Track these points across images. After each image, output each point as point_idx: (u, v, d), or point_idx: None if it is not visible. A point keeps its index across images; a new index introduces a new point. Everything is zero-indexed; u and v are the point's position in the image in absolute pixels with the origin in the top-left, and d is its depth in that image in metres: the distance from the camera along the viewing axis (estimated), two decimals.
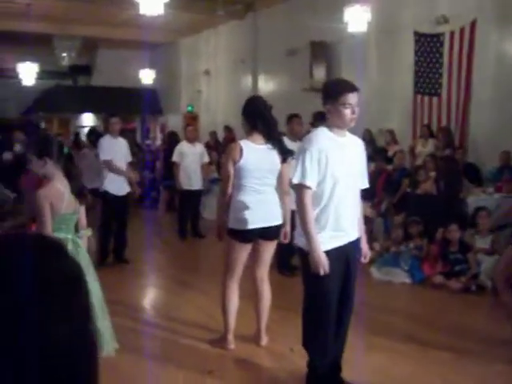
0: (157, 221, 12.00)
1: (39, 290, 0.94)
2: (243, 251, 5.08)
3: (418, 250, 8.00)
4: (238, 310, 5.32)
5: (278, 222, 5.08)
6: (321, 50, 12.80)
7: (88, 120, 22.27)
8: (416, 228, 8.15)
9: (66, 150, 4.29)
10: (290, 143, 7.78)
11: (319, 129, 4.14)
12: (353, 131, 4.22)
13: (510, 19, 9.27)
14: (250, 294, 5.38)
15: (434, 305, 6.92)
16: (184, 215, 10.89)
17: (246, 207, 4.93)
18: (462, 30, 9.83)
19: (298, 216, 4.07)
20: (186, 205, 10.68)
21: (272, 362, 5.07)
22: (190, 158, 10.45)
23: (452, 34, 10.02)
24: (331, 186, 3.98)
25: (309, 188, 3.95)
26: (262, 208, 4.98)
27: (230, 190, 5.01)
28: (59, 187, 4.38)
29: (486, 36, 9.52)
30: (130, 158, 8.89)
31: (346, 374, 4.40)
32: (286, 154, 5.17)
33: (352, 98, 3.94)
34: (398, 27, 11.08)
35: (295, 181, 3.99)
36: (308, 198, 3.96)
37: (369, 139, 10.84)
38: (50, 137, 5.35)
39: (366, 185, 4.33)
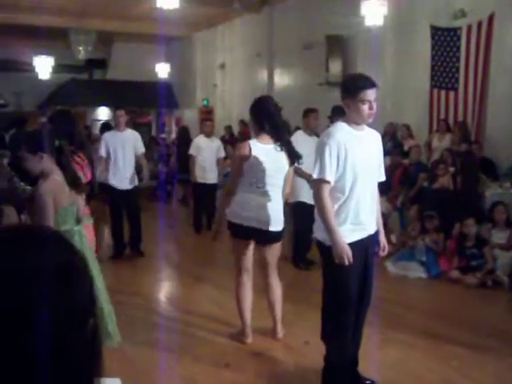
0: (171, 214, 12.05)
1: (47, 285, 0.95)
2: (243, 247, 5.12)
3: (435, 245, 7.98)
4: (255, 304, 5.35)
5: (276, 228, 5.07)
6: (337, 44, 12.74)
7: (103, 114, 22.32)
8: (432, 222, 8.13)
9: (56, 142, 4.32)
10: (305, 137, 7.83)
11: (338, 123, 4.16)
12: (371, 125, 4.22)
13: None
14: (265, 287, 5.40)
15: (449, 299, 6.90)
16: (199, 209, 10.93)
17: (247, 204, 4.97)
18: (479, 24, 9.75)
19: (317, 210, 4.08)
20: (201, 198, 10.72)
21: (288, 355, 5.09)
22: (207, 152, 10.48)
23: (469, 27, 9.94)
24: (351, 179, 4.00)
25: (328, 182, 3.97)
26: (262, 210, 4.98)
27: (236, 188, 5.03)
28: (59, 180, 4.35)
29: (503, 30, 9.44)
30: (142, 149, 8.88)
31: (362, 368, 4.40)
32: (293, 157, 5.22)
33: (371, 94, 3.97)
34: (414, 21, 11.00)
35: (315, 176, 4.02)
36: (326, 192, 3.98)
37: (392, 133, 10.82)
38: (40, 130, 5.27)
39: (383, 178, 4.36)
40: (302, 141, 7.75)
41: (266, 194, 5.01)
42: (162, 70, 19.63)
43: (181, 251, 9.72)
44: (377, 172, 4.23)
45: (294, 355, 5.06)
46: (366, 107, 3.96)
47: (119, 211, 8.69)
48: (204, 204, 10.76)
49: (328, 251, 4.01)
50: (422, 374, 4.67)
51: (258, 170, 4.95)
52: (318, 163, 3.99)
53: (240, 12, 15.50)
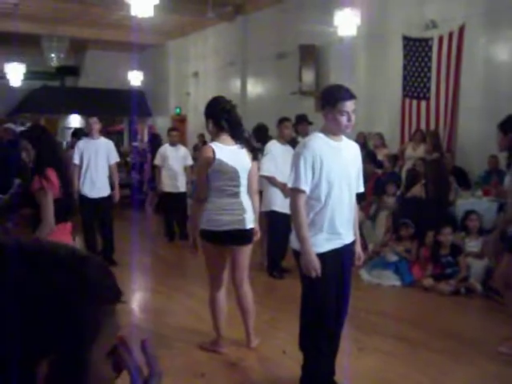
0: (144, 223, 11.98)
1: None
2: (218, 255, 5.06)
3: (407, 253, 8.05)
4: (230, 313, 5.34)
5: (250, 225, 5.06)
6: (310, 54, 12.82)
7: (75, 121, 22.17)
8: (407, 230, 8.20)
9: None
10: (279, 146, 7.87)
11: (314, 134, 4.20)
12: (345, 134, 4.25)
13: (498, 24, 9.35)
14: (236, 295, 5.40)
15: (424, 307, 6.96)
16: (170, 218, 10.91)
17: (221, 209, 4.91)
18: (450, 35, 9.89)
19: (292, 219, 4.11)
20: (172, 207, 10.71)
21: (264, 365, 5.07)
22: (173, 160, 10.50)
23: (440, 38, 10.07)
24: (327, 189, 4.03)
25: (303, 192, 4.00)
26: (236, 211, 4.97)
27: (205, 194, 4.97)
28: None
29: (474, 41, 9.58)
30: (116, 159, 8.88)
31: (337, 376, 4.41)
32: (255, 152, 5.28)
33: (349, 105, 4.01)
34: (386, 31, 11.13)
35: (290, 185, 4.07)
36: (301, 201, 4.01)
37: (362, 142, 10.89)
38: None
39: (361, 189, 4.38)
40: (276, 150, 7.81)
41: (237, 195, 4.99)
42: (135, 78, 19.54)
43: (155, 261, 9.66)
44: (354, 183, 4.23)
45: (271, 365, 5.05)
46: (344, 118, 4.00)
47: (91, 220, 8.65)
48: (174, 213, 10.75)
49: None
50: (398, 382, 4.70)
51: (225, 172, 4.90)
52: (293, 173, 4.03)
53: (214, 21, 15.52)
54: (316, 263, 3.95)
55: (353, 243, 4.30)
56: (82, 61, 21.38)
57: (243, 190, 5.04)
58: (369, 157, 9.88)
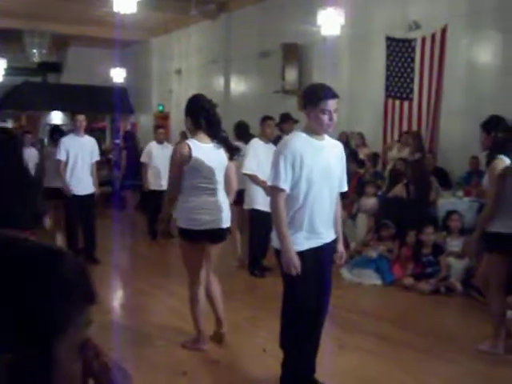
0: (126, 221, 11.91)
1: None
2: (196, 252, 5.08)
3: (389, 253, 8.10)
4: (208, 312, 5.35)
5: (226, 225, 5.12)
6: (293, 53, 12.84)
7: (57, 118, 22.04)
8: (388, 231, 8.26)
9: None
10: (262, 145, 7.87)
11: (295, 132, 4.22)
12: (327, 134, 4.26)
13: (481, 26, 9.41)
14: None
15: (404, 306, 7.00)
16: (153, 216, 10.87)
17: (198, 208, 4.94)
18: (433, 36, 9.95)
19: (272, 217, 4.11)
20: (155, 206, 10.61)
21: (245, 363, 5.07)
22: (159, 158, 10.42)
23: (423, 39, 10.13)
24: (306, 188, 4.03)
25: (282, 190, 4.00)
26: (213, 210, 5.00)
27: (178, 192, 4.99)
28: None
29: (456, 42, 9.65)
30: (97, 157, 8.89)
31: (318, 374, 4.43)
32: (232, 151, 5.23)
33: (332, 104, 4.01)
34: (370, 32, 11.17)
35: (269, 183, 4.08)
36: (281, 200, 4.01)
37: (345, 142, 10.92)
38: None
39: (344, 188, 4.39)
40: (259, 148, 7.82)
41: (214, 194, 5.01)
42: (118, 75, 19.47)
43: (137, 259, 9.63)
44: (337, 182, 4.23)
45: (251, 363, 5.05)
46: (326, 117, 4.00)
47: (76, 217, 8.61)
48: (159, 211, 10.64)
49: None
50: (379, 380, 4.72)
51: (202, 170, 4.92)
52: (273, 171, 4.03)
53: (197, 18, 15.49)
54: (296, 261, 3.96)
55: (334, 241, 4.31)
56: (64, 57, 21.25)
57: (220, 188, 5.07)
58: (351, 156, 9.92)
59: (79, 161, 8.44)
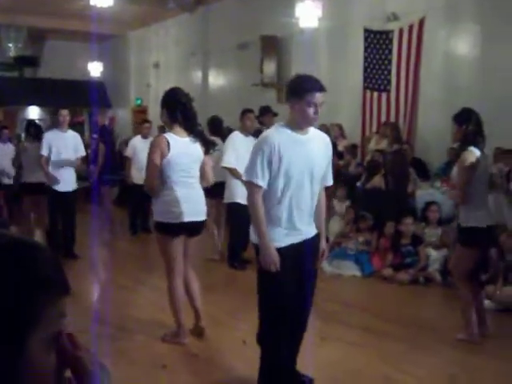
0: (104, 216, 11.77)
1: None
2: (175, 245, 5.10)
3: (367, 244, 8.14)
4: (187, 306, 5.37)
5: (203, 217, 5.20)
6: (271, 45, 12.81)
7: (35, 113, 21.83)
8: (366, 222, 8.29)
9: None
10: (242, 138, 7.86)
11: (276, 126, 4.06)
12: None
13: (458, 17, 9.45)
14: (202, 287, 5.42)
15: (384, 296, 7.04)
16: (134, 210, 10.82)
17: (176, 201, 4.96)
18: (410, 28, 9.98)
19: (250, 213, 4.00)
20: (137, 200, 10.55)
21: (225, 356, 5.08)
22: (143, 153, 10.33)
23: (401, 31, 10.15)
24: (284, 183, 3.89)
25: (259, 187, 3.88)
26: (191, 203, 5.04)
27: (155, 185, 4.98)
28: None
29: (434, 34, 9.68)
30: (83, 153, 8.75)
31: (300, 366, 4.43)
32: (208, 145, 5.25)
33: (319, 97, 3.88)
34: (348, 23, 11.17)
35: (245, 178, 3.99)
36: (258, 196, 3.90)
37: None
38: None
39: (330, 182, 4.26)
40: (238, 141, 7.80)
41: (191, 187, 5.07)
42: (95, 69, 19.32)
43: (118, 254, 9.58)
44: (320, 176, 4.06)
45: (231, 356, 5.05)
46: (311, 110, 3.85)
47: (57, 213, 8.59)
48: (141, 205, 10.59)
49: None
50: (361, 371, 4.74)
51: (180, 164, 4.95)
52: (250, 166, 3.91)
53: (174, 11, 15.40)
54: (275, 257, 3.86)
55: (315, 237, 4.15)
56: (41, 51, 21.01)
57: (196, 181, 5.13)
58: (332, 148, 9.92)
59: (62, 156, 8.34)
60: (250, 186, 3.93)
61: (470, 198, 5.12)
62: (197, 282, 5.41)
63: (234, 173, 7.65)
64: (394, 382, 4.58)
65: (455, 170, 5.41)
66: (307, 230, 4.07)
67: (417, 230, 7.76)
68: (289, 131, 3.94)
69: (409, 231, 7.64)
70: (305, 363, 4.45)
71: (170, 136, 4.95)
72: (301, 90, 3.91)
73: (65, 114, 8.49)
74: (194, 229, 5.13)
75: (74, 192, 8.63)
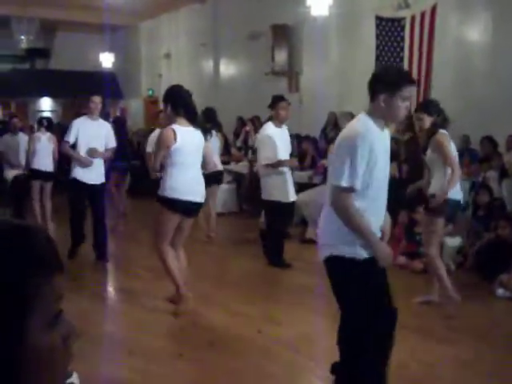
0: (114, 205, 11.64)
1: None
2: (174, 220, 5.58)
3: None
4: (204, 296, 5.62)
5: (202, 200, 5.76)
6: (282, 34, 12.79)
7: (46, 104, 21.92)
8: None
9: None
10: (276, 130, 7.46)
11: (366, 119, 3.62)
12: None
13: (470, 4, 9.41)
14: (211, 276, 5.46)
15: (397, 285, 6.97)
16: None
17: (182, 180, 5.50)
18: (422, 15, 9.94)
19: (343, 221, 3.51)
20: None
21: (240, 345, 5.10)
22: None
23: (413, 18, 10.12)
24: (374, 184, 3.53)
25: (351, 189, 3.46)
26: (195, 184, 5.62)
27: (157, 169, 5.60)
28: None
29: (445, 21, 9.64)
30: (113, 143, 8.06)
31: (319, 354, 4.45)
32: (206, 133, 6.01)
33: (412, 91, 3.72)
34: (359, 11, 11.14)
35: (339, 183, 3.45)
36: (350, 199, 3.47)
37: (334, 122, 10.91)
38: None
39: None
40: (273, 135, 7.43)
41: (195, 170, 5.64)
42: (107, 60, 19.37)
43: (131, 243, 9.59)
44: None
45: (246, 344, 5.08)
46: (405, 105, 3.58)
47: (81, 207, 7.85)
48: None
49: (354, 267, 3.56)
50: None
51: (186, 149, 5.46)
52: (344, 167, 3.43)
53: (185, 1, 15.40)
54: (388, 249, 3.60)
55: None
56: (52, 43, 21.09)
57: (199, 165, 5.71)
58: None
59: (88, 146, 7.65)
60: (341, 189, 3.47)
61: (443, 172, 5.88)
62: (185, 260, 5.90)
63: (277, 165, 7.40)
64: (405, 369, 4.59)
65: (429, 152, 6.02)
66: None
67: None
68: (374, 126, 3.58)
69: (423, 219, 7.62)
70: (318, 354, 4.47)
71: (175, 127, 5.48)
72: (397, 82, 3.57)
73: (97, 100, 7.77)
74: (193, 209, 5.70)
75: (103, 185, 7.95)
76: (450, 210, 5.88)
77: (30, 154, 9.87)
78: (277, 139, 7.38)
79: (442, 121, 6.03)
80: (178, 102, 5.56)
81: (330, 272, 3.70)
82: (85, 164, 7.60)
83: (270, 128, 7.55)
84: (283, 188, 7.48)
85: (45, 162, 9.69)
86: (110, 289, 7.22)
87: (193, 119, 5.61)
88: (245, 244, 8.76)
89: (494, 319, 5.86)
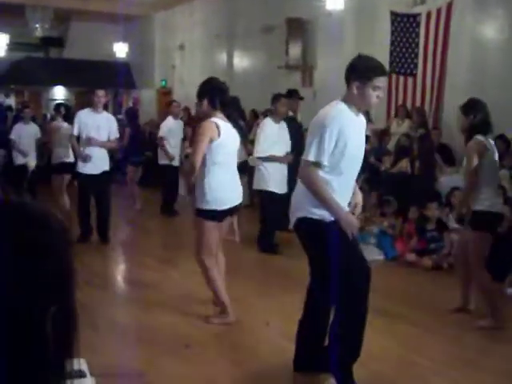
0: (128, 197, 11.76)
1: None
2: (218, 230, 5.23)
3: (392, 228, 8.11)
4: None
5: (241, 200, 5.38)
6: (297, 28, 12.73)
7: (59, 93, 21.98)
8: (390, 207, 8.26)
9: None
10: (273, 125, 7.78)
11: (340, 104, 3.96)
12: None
13: (486, 2, 9.33)
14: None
15: (406, 281, 7.02)
16: (170, 191, 10.73)
17: (224, 186, 5.08)
18: (438, 11, 9.87)
19: (312, 192, 3.88)
20: (172, 180, 10.56)
21: (248, 336, 5.11)
22: (176, 133, 10.45)
23: (428, 14, 10.05)
24: (343, 163, 3.87)
25: (320, 164, 3.83)
26: (235, 186, 5.25)
27: (199, 165, 5.04)
28: None
29: (461, 18, 9.57)
30: (116, 135, 8.41)
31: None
32: (242, 137, 5.70)
33: (383, 81, 3.95)
34: (374, 6, 11.08)
35: (310, 158, 3.83)
36: (317, 172, 3.84)
37: None
38: None
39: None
40: (270, 129, 7.79)
41: (234, 171, 5.27)
42: (120, 50, 19.41)
43: (144, 234, 9.60)
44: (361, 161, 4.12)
45: (255, 337, 5.09)
46: (375, 94, 3.89)
47: (87, 197, 8.25)
48: (175, 186, 10.61)
49: (322, 228, 3.86)
50: (378, 354, 4.73)
51: (227, 147, 5.09)
52: (316, 145, 3.80)
53: None
54: (354, 219, 3.93)
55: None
56: (66, 32, 21.10)
57: (235, 166, 5.32)
58: None
59: (94, 138, 8.02)
60: (310, 163, 3.84)
61: (484, 184, 5.20)
62: (223, 263, 5.54)
63: (271, 159, 7.68)
64: (411, 365, 4.60)
65: (465, 160, 5.46)
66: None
67: (441, 215, 7.72)
68: (348, 110, 3.91)
69: (434, 216, 7.61)
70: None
71: (217, 120, 5.07)
72: (368, 71, 3.88)
73: (101, 94, 8.16)
74: (234, 210, 5.39)
75: (107, 173, 8.31)
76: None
77: (49, 147, 9.80)
78: (274, 135, 7.58)
79: (481, 124, 5.33)
80: (216, 96, 5.17)
81: (300, 233, 4.07)
82: (83, 159, 7.99)
83: (268, 123, 7.85)
84: (274, 179, 7.67)
85: (64, 153, 9.24)
86: (119, 278, 7.24)
87: (229, 115, 5.32)
88: (254, 237, 8.76)
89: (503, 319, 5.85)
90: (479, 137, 5.24)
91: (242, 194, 5.37)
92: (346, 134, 3.80)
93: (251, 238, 8.37)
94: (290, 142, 8.00)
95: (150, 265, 7.46)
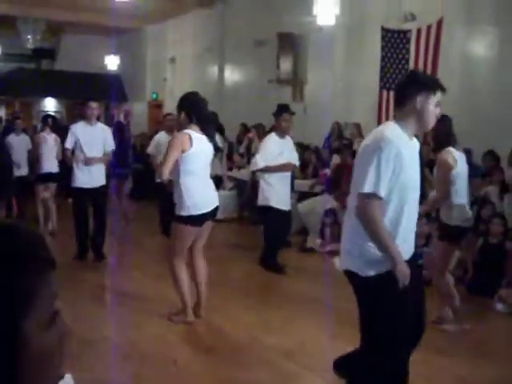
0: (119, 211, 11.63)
1: None
2: (193, 233, 5.49)
3: None
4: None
5: (218, 202, 5.63)
6: (288, 42, 12.80)
7: (50, 105, 21.95)
8: None
9: None
10: (278, 141, 7.65)
11: (394, 126, 3.41)
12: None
13: (476, 18, 9.41)
14: (208, 282, 5.66)
15: None
16: (167, 208, 10.47)
17: (198, 192, 5.39)
18: (428, 28, 9.94)
19: (366, 230, 3.31)
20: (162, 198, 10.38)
21: (236, 351, 5.09)
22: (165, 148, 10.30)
23: (419, 31, 10.11)
24: (401, 195, 3.33)
25: (380, 199, 3.25)
26: (210, 191, 5.57)
27: (168, 174, 5.36)
28: None
29: (451, 35, 9.64)
30: (112, 147, 8.21)
31: (316, 363, 4.44)
32: (216, 151, 5.91)
33: (441, 99, 3.52)
34: (365, 22, 11.15)
35: (364, 190, 3.23)
36: (378, 209, 3.27)
37: (338, 133, 10.92)
38: None
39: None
40: (273, 145, 7.64)
41: (207, 180, 5.60)
42: (112, 63, 19.44)
43: (136, 247, 9.47)
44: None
45: (244, 352, 5.07)
46: (437, 111, 3.48)
47: (84, 212, 8.07)
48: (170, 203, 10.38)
49: (372, 283, 3.39)
50: None
51: (199, 157, 5.39)
52: (370, 174, 3.21)
53: (192, 6, 15.43)
54: (407, 269, 3.30)
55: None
56: (58, 44, 21.15)
57: (208, 174, 5.64)
58: (347, 148, 9.92)
59: (89, 151, 7.83)
60: (370, 198, 3.24)
61: (450, 197, 5.37)
62: (205, 268, 5.76)
63: (268, 169, 7.59)
64: None
65: (435, 170, 5.67)
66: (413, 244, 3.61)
67: (431, 231, 7.73)
68: (403, 133, 3.38)
69: (424, 232, 7.62)
70: (321, 364, 4.45)
71: (191, 133, 5.37)
72: (433, 84, 3.48)
73: (94, 106, 7.98)
74: (212, 215, 5.60)
75: (103, 188, 8.14)
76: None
77: (36, 157, 9.87)
78: (278, 150, 7.53)
79: (445, 136, 5.54)
80: (193, 110, 5.46)
81: (350, 282, 3.62)
82: (83, 163, 7.82)
83: (272, 139, 7.74)
84: (278, 195, 7.61)
85: (51, 164, 9.65)
86: (109, 292, 7.19)
87: (205, 130, 5.48)
88: (244, 250, 8.75)
89: (492, 334, 5.85)
90: (449, 148, 5.41)
91: (217, 198, 5.62)
92: (401, 159, 3.25)
93: (240, 250, 8.37)
94: (296, 155, 7.99)
95: (138, 278, 7.43)
